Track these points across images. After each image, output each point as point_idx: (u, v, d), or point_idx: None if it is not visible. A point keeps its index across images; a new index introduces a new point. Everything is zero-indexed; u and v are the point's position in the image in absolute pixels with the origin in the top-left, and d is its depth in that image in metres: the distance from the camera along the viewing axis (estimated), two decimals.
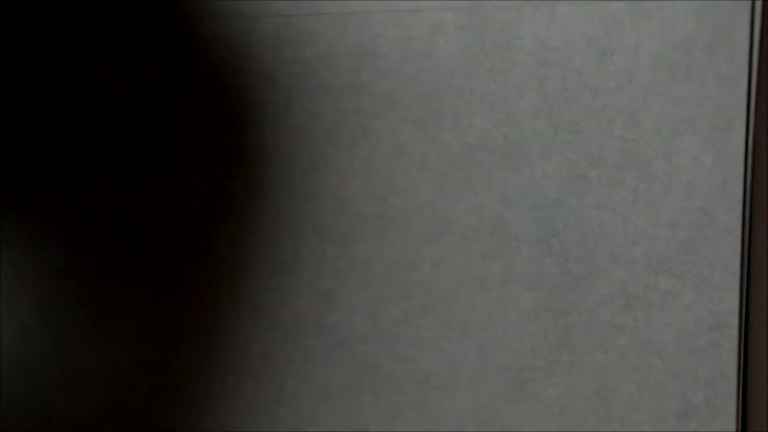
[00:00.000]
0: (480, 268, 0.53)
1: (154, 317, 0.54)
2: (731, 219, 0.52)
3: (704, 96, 0.51)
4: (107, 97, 0.54)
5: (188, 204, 0.53)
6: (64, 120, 0.55)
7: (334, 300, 0.53)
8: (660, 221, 0.52)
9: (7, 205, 0.53)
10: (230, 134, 0.52)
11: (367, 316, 0.54)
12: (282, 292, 0.53)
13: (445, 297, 0.53)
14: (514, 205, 0.53)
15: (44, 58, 0.52)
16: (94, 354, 0.54)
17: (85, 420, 0.55)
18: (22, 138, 0.54)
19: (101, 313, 0.54)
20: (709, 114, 0.51)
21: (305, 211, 0.52)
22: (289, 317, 0.53)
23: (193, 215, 0.53)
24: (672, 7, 0.51)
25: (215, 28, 0.52)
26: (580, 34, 0.51)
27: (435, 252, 0.53)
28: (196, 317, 0.53)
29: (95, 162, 0.55)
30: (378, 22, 0.52)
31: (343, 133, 0.52)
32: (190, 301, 0.54)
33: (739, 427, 0.55)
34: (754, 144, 0.52)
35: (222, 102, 0.53)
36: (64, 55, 0.52)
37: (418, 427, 0.55)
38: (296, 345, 0.54)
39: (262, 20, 0.52)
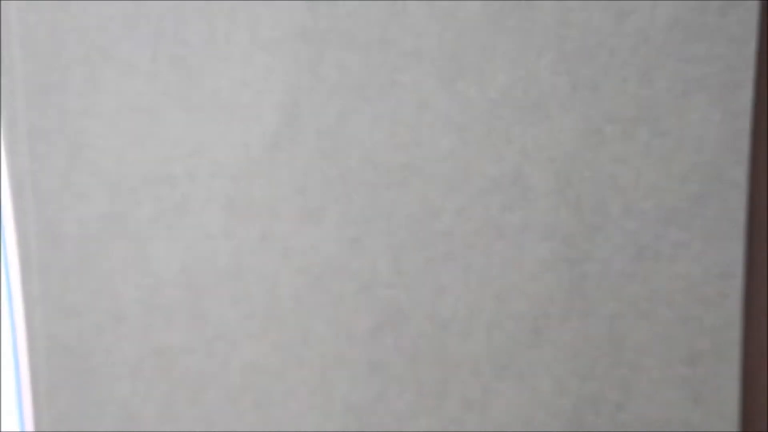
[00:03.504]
0: (499, 218, 0.56)
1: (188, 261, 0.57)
2: (738, 173, 0.55)
3: (715, 56, 0.54)
4: None
5: (224, 153, 0.55)
6: None
7: (359, 247, 0.56)
8: (671, 175, 0.55)
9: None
10: (263, 86, 0.55)
11: (391, 262, 0.56)
12: (310, 239, 0.56)
13: (465, 245, 0.56)
14: (532, 158, 0.55)
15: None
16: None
17: (130, 362, 0.57)
18: None
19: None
20: (719, 73, 0.54)
21: (334, 160, 0.55)
22: (317, 263, 0.56)
23: (230, 164, 0.56)
24: None
25: None
26: None
27: (456, 202, 0.56)
28: (227, 262, 0.56)
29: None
30: None
31: (371, 86, 0.54)
32: (223, 247, 0.56)
33: (743, 373, 0.58)
34: (757, 104, 0.55)
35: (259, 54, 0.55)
36: None
37: (438, 370, 0.57)
38: (323, 289, 0.56)
39: None
